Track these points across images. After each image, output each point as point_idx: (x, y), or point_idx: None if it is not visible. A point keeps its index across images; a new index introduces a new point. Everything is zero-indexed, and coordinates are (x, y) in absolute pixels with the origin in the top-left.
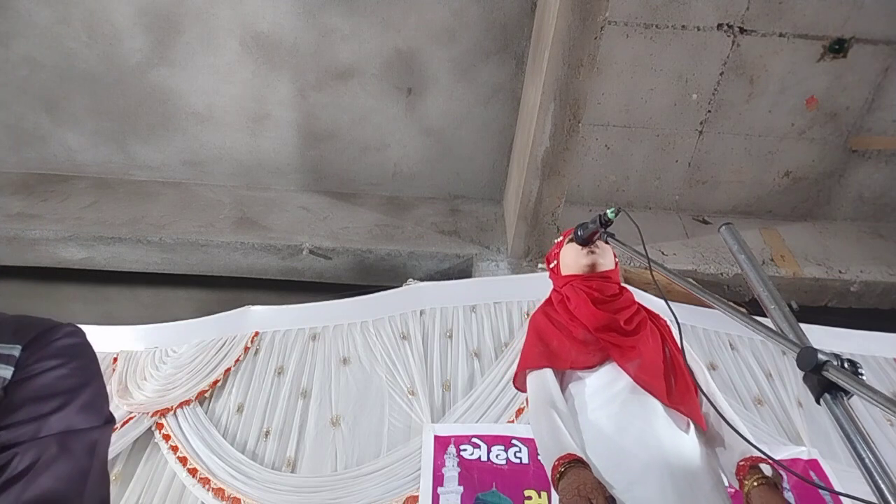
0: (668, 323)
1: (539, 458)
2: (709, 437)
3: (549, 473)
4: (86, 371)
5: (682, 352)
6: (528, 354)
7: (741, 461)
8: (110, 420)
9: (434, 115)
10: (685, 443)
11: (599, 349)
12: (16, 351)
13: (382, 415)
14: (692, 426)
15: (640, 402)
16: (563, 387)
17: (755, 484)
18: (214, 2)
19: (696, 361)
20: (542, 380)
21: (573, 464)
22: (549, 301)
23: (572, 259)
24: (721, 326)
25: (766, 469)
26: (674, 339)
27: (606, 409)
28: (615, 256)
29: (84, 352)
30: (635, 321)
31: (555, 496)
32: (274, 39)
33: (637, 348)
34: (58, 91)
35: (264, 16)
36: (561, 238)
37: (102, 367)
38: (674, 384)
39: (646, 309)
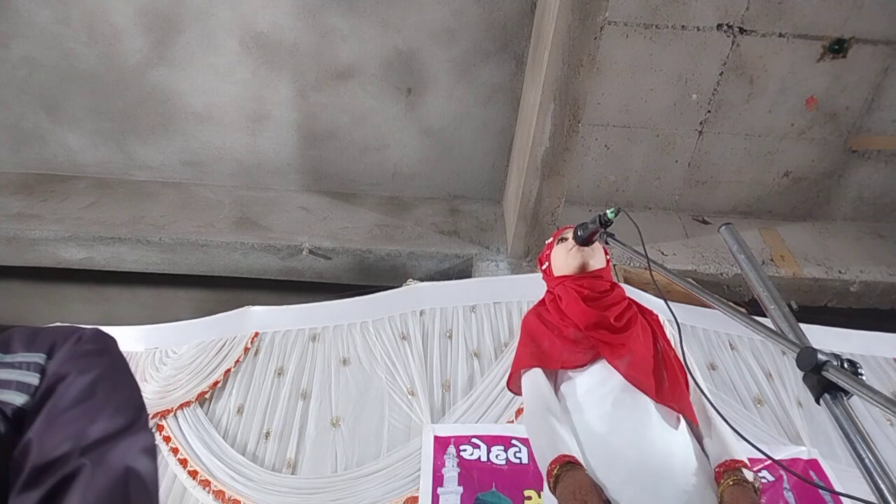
0: (661, 317)
1: (536, 460)
2: (698, 434)
3: (544, 476)
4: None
5: (682, 352)
6: (521, 355)
7: (719, 465)
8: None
9: (434, 115)
10: (676, 440)
11: (590, 347)
12: (40, 358)
13: (382, 415)
14: (682, 421)
15: (632, 400)
16: (556, 387)
17: (730, 483)
18: (214, 2)
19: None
20: (535, 380)
21: (567, 466)
22: (542, 301)
23: (562, 260)
24: (721, 326)
25: (749, 475)
26: (665, 335)
27: (598, 409)
28: (606, 254)
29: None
30: (626, 317)
31: (552, 497)
32: (274, 39)
33: (627, 345)
34: (58, 91)
35: (264, 16)
36: (551, 239)
37: None
38: (665, 380)
39: (637, 304)
